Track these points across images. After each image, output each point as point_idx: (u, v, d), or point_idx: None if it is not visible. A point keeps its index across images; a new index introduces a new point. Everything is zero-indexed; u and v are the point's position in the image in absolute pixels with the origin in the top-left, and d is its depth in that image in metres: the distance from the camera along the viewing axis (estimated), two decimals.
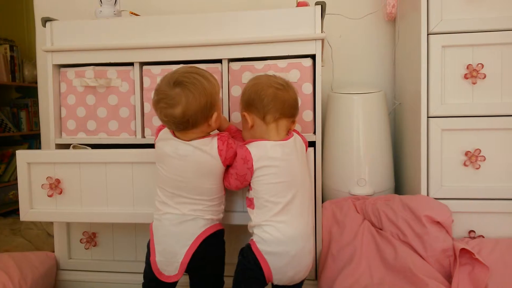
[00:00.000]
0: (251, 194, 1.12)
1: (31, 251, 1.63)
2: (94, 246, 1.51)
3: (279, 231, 1.06)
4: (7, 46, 3.00)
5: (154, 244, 1.13)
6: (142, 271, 1.17)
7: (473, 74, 1.35)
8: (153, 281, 1.13)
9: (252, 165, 1.08)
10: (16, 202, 2.92)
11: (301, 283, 1.15)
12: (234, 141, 1.14)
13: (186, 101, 1.05)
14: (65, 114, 1.50)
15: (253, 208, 1.12)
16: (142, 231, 1.47)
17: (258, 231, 1.09)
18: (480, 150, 1.36)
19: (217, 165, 1.10)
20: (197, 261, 1.09)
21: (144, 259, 1.20)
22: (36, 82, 3.24)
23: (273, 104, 1.11)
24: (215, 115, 1.11)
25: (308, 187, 1.15)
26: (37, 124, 3.33)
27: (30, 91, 3.28)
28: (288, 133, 1.16)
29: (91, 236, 1.51)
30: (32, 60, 3.26)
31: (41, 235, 2.13)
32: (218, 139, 1.10)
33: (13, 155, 3.03)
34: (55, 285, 1.52)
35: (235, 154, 1.11)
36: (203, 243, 1.09)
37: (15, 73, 3.07)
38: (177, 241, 1.09)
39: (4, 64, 2.95)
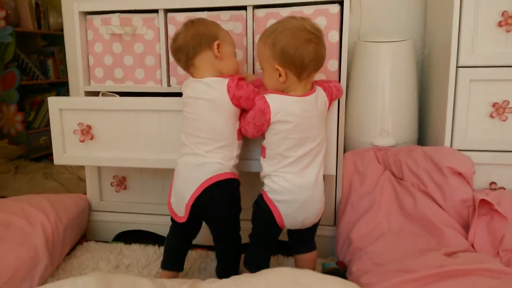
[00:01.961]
0: (264, 143, 1.15)
1: (64, 193, 1.72)
2: (124, 189, 1.59)
3: (287, 180, 1.10)
4: None
5: (171, 186, 1.21)
6: (169, 213, 1.25)
7: (508, 21, 1.29)
8: (174, 222, 1.23)
9: (270, 118, 1.09)
10: (47, 147, 3.05)
11: (314, 227, 1.20)
12: (247, 83, 1.16)
13: (186, 29, 1.18)
14: (92, 62, 1.53)
15: (264, 157, 1.16)
16: (169, 175, 1.50)
17: (268, 181, 1.14)
18: (508, 102, 1.33)
19: (226, 101, 1.12)
20: (202, 206, 1.13)
21: None
22: (61, 30, 3.26)
23: (314, 63, 1.09)
24: (217, 43, 1.16)
25: (322, 141, 1.15)
26: (64, 72, 3.38)
27: (56, 39, 3.31)
28: (312, 87, 1.15)
29: (121, 180, 1.58)
30: (56, 7, 3.26)
31: (72, 179, 2.25)
32: (229, 78, 1.14)
33: (42, 102, 3.12)
34: (87, 225, 1.63)
35: (246, 97, 1.12)
36: (208, 188, 1.12)
37: (40, 21, 3.09)
38: (186, 184, 1.15)
39: (29, 12, 2.96)
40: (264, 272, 0.95)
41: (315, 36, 1.08)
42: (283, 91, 1.13)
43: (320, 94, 1.15)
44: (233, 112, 1.15)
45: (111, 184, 1.59)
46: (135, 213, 1.60)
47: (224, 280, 0.94)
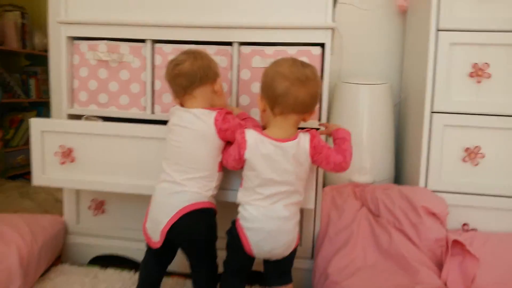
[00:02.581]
0: (243, 174, 1.18)
1: (40, 214, 1.69)
2: (102, 213, 1.58)
3: (257, 211, 1.12)
4: (19, 13, 3.02)
5: (148, 212, 1.23)
6: None
7: (478, 73, 1.38)
8: (149, 248, 1.24)
9: (244, 154, 1.12)
10: (24, 166, 3.01)
11: (288, 260, 1.20)
12: (233, 117, 1.20)
13: (194, 58, 1.21)
14: (77, 85, 1.53)
15: (241, 187, 1.19)
16: (148, 201, 1.52)
17: (241, 209, 1.17)
18: (480, 147, 1.40)
19: (212, 134, 1.16)
20: (177, 234, 1.15)
21: None
22: (46, 51, 3.26)
23: (282, 98, 1.09)
24: (219, 80, 1.23)
25: (299, 186, 1.15)
26: (46, 92, 3.37)
27: (39, 59, 3.31)
28: (295, 134, 1.14)
29: (99, 204, 1.57)
30: (41, 28, 3.28)
31: (49, 200, 2.23)
32: (217, 111, 1.17)
33: (22, 121, 3.09)
34: (63, 248, 1.60)
35: (232, 131, 1.16)
36: (184, 216, 1.13)
37: (25, 41, 3.10)
38: (163, 211, 1.16)
39: (15, 31, 2.97)
40: None
41: (295, 77, 1.09)
42: (265, 127, 1.17)
43: (302, 143, 1.13)
44: (217, 144, 1.18)
45: (89, 207, 1.58)
46: (112, 238, 1.58)
47: None
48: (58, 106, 2.15)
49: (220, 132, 1.16)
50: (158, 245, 1.16)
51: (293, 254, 1.21)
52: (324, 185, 1.57)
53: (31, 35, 3.15)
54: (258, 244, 1.13)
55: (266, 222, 1.12)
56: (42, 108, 3.34)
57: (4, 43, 2.91)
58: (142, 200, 1.53)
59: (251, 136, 1.13)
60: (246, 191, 1.16)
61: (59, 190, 2.24)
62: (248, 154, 1.12)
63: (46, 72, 3.37)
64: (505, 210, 1.41)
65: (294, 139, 1.12)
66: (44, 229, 1.48)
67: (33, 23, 3.24)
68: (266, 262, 1.22)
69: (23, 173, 2.97)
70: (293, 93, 1.09)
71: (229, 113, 1.19)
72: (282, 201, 1.13)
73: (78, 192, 1.59)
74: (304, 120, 1.17)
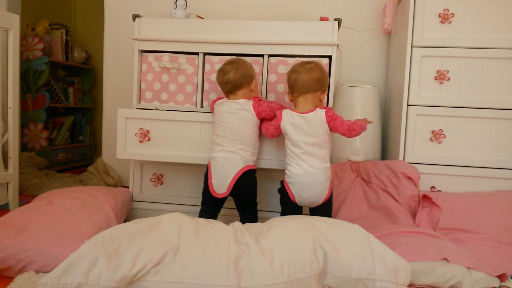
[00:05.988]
0: (285, 145, 1.69)
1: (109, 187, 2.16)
2: (161, 184, 2.07)
3: (296, 169, 1.63)
4: (64, 31, 3.52)
5: (211, 173, 1.72)
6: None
7: (441, 77, 1.92)
8: (209, 197, 1.73)
9: (280, 124, 1.65)
10: (64, 163, 3.46)
11: (324, 208, 1.67)
12: (263, 102, 1.73)
13: (236, 69, 1.72)
14: (144, 87, 2.04)
15: (287, 155, 1.69)
16: (196, 174, 2.03)
17: (286, 170, 1.68)
18: (442, 130, 1.93)
19: (253, 116, 1.71)
20: (238, 185, 1.67)
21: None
22: (83, 63, 3.77)
23: (295, 85, 1.65)
24: (254, 82, 1.75)
25: (320, 144, 1.61)
26: (81, 99, 3.86)
27: (76, 70, 3.81)
28: (314, 108, 1.64)
29: (158, 177, 2.06)
30: (80, 44, 3.80)
31: (100, 184, 2.67)
32: (253, 100, 1.72)
33: (63, 123, 3.56)
34: (129, 212, 2.07)
35: (268, 109, 1.71)
36: (243, 174, 1.67)
37: (68, 55, 3.60)
38: (228, 171, 1.68)
39: (60, 46, 3.48)
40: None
41: (301, 69, 1.65)
42: (294, 108, 1.68)
43: (319, 114, 1.62)
44: (256, 123, 1.72)
45: (151, 179, 2.07)
46: (168, 203, 2.07)
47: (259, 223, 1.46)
48: (110, 104, 2.67)
49: (258, 113, 1.70)
50: (225, 195, 1.69)
51: (328, 202, 1.67)
52: None
53: (72, 50, 3.65)
54: (298, 193, 1.64)
55: (302, 177, 1.62)
56: (77, 113, 3.82)
57: (51, 55, 3.41)
58: (193, 173, 2.05)
59: (285, 112, 1.66)
60: (288, 155, 1.67)
61: (109, 176, 2.73)
62: (282, 124, 1.65)
63: (81, 82, 3.88)
64: (461, 176, 1.94)
65: (312, 111, 1.63)
66: (118, 195, 1.96)
67: (74, 39, 3.75)
68: (311, 210, 1.69)
69: (64, 169, 3.40)
70: (300, 79, 1.64)
71: (260, 99, 1.73)
72: (314, 160, 1.60)
73: (142, 168, 2.08)
74: (320, 100, 1.67)
